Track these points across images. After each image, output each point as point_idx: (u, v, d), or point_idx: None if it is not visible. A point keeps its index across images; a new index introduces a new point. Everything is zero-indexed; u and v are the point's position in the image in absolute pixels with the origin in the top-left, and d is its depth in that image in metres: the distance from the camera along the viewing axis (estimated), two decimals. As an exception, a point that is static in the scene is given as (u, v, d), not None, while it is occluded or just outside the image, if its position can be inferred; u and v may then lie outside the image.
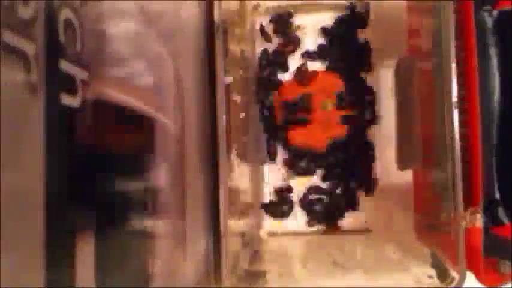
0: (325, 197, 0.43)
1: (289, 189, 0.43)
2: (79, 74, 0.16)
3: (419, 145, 0.36)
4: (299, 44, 0.44)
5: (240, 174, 0.37)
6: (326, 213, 0.43)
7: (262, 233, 0.42)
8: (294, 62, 0.44)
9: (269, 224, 0.43)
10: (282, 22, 0.43)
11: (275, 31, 0.44)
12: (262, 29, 0.44)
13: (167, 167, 0.26)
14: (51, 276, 0.14)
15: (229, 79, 0.33)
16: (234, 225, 0.32)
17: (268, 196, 0.44)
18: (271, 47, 0.44)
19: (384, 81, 0.42)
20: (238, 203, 0.36)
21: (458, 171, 0.29)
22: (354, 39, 0.43)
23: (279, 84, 0.44)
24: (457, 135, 0.29)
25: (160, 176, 0.25)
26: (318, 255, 0.37)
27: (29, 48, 0.13)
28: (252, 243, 0.39)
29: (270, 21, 0.44)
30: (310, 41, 0.44)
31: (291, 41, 0.43)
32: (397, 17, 0.39)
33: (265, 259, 0.38)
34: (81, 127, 0.16)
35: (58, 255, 0.14)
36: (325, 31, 0.43)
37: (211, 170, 0.32)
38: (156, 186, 0.24)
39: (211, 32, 0.32)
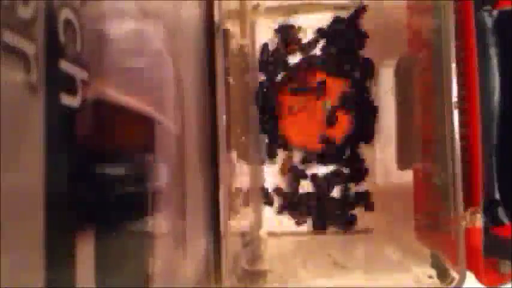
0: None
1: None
2: (79, 74, 0.16)
3: (419, 145, 0.36)
4: (300, 44, 0.44)
5: (240, 174, 0.37)
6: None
7: (262, 233, 0.42)
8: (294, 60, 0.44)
9: (269, 224, 0.43)
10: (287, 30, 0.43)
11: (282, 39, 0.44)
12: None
13: (167, 167, 0.26)
14: (51, 276, 0.14)
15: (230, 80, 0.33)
16: (234, 225, 0.32)
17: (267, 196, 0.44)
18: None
19: (384, 81, 0.42)
20: (238, 203, 0.36)
21: (458, 171, 0.29)
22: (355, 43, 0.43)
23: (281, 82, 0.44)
24: (457, 135, 0.29)
25: (161, 176, 0.25)
26: (318, 255, 0.37)
27: (29, 48, 0.13)
28: (252, 243, 0.39)
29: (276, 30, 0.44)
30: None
31: (293, 42, 0.43)
32: (397, 17, 0.39)
33: (265, 259, 0.38)
34: (81, 127, 0.16)
35: (58, 255, 0.14)
36: (322, 32, 0.43)
37: (211, 170, 0.32)
38: (156, 186, 0.24)
39: (211, 32, 0.32)
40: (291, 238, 0.42)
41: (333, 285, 0.32)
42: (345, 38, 0.43)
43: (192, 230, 0.30)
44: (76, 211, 0.16)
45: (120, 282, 0.19)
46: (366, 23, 0.43)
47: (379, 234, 0.41)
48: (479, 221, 0.29)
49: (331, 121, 0.42)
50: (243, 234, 0.37)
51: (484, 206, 0.29)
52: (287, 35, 0.43)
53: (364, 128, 0.42)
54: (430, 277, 0.30)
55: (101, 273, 0.17)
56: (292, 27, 0.44)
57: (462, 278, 0.28)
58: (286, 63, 0.43)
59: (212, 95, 0.31)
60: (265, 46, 0.44)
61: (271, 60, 0.43)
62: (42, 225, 0.14)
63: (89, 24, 0.17)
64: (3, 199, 0.12)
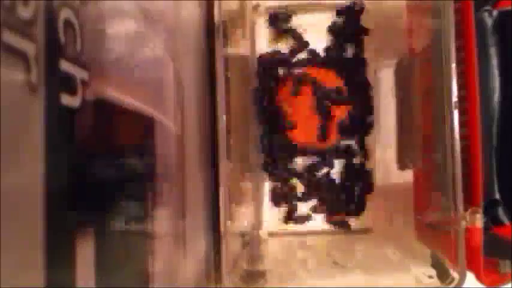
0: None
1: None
2: (79, 74, 0.16)
3: (419, 145, 0.36)
4: (306, 45, 0.43)
5: (240, 174, 0.37)
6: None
7: (262, 233, 0.42)
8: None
9: (269, 224, 0.43)
10: (282, 21, 0.43)
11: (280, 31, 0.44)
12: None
13: (167, 167, 0.26)
14: (51, 276, 0.14)
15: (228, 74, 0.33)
16: (234, 225, 0.32)
17: (268, 196, 0.44)
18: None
19: (384, 81, 0.42)
20: (238, 203, 0.36)
21: (458, 171, 0.29)
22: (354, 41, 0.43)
23: (280, 82, 0.43)
24: (457, 135, 0.29)
25: (160, 176, 0.25)
26: (318, 255, 0.37)
27: (29, 48, 0.13)
28: (252, 243, 0.39)
29: (270, 18, 0.44)
30: (310, 40, 0.44)
31: (299, 43, 0.43)
32: (397, 17, 0.40)
33: (265, 259, 0.38)
34: (81, 127, 0.16)
35: (58, 255, 0.14)
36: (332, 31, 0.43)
37: (211, 170, 0.32)
38: (156, 186, 0.24)
39: (211, 32, 0.32)
40: (291, 238, 0.42)
41: (333, 285, 0.32)
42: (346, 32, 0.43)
43: (192, 230, 0.30)
44: (76, 211, 0.16)
45: (120, 282, 0.19)
46: (366, 23, 0.43)
47: (379, 234, 0.41)
48: (479, 221, 0.29)
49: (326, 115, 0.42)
50: (243, 234, 0.37)
51: (484, 206, 0.29)
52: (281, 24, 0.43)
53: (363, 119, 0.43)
54: (430, 277, 0.30)
55: (101, 273, 0.17)
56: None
57: (462, 278, 0.28)
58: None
59: (212, 95, 0.31)
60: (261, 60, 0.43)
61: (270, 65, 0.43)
62: (42, 225, 0.14)
63: (89, 24, 0.17)
64: (3, 199, 0.12)
